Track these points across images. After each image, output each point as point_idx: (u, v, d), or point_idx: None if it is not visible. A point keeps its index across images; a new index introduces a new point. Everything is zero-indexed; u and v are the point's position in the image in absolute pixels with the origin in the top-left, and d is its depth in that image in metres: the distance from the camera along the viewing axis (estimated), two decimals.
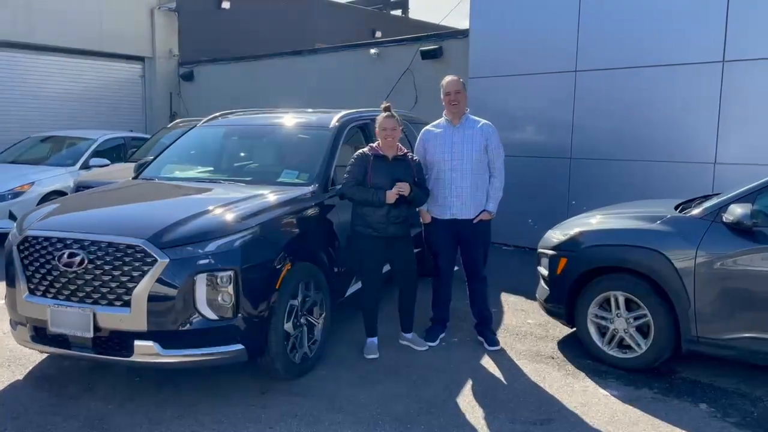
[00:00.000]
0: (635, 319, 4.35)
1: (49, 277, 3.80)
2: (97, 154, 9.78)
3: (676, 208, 4.59)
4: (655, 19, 7.19)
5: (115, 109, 14.59)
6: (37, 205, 7.79)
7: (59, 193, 8.69)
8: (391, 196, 4.39)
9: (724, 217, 4.00)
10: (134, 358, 3.66)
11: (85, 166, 9.47)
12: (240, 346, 3.77)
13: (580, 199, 7.60)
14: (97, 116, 14.00)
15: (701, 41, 6.90)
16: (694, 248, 4.05)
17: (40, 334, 3.90)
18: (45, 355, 4.49)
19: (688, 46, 6.99)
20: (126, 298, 3.63)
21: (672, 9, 7.07)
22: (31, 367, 4.42)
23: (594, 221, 4.81)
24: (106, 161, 9.38)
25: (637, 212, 4.72)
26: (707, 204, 4.27)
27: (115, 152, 10.18)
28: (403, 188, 4.41)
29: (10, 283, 4.01)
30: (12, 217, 8.21)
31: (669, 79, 7.14)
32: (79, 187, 7.81)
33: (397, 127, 4.54)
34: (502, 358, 4.69)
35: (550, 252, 4.82)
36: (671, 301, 4.16)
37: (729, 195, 4.18)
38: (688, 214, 4.30)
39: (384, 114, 4.55)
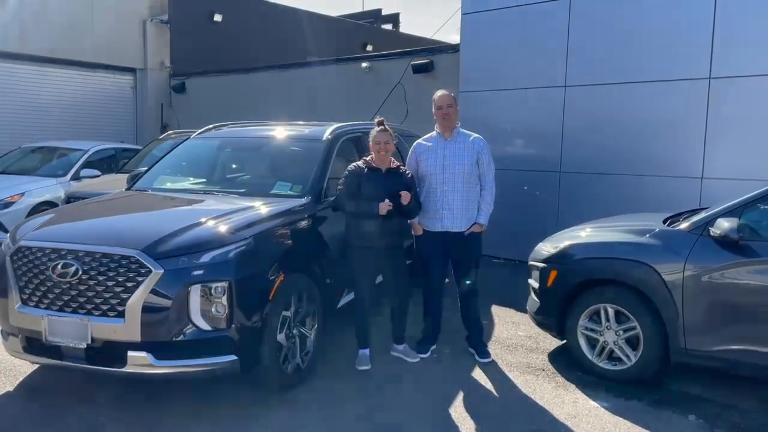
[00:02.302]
0: (625, 331, 4.40)
1: (43, 288, 3.80)
2: (87, 165, 9.77)
3: (664, 221, 4.65)
4: (643, 36, 7.32)
5: (107, 120, 14.55)
6: (27, 216, 7.77)
7: (50, 204, 8.64)
8: (383, 207, 4.43)
9: (711, 231, 4.07)
10: (128, 369, 3.66)
11: (76, 177, 9.45)
12: (233, 357, 3.77)
13: (569, 213, 7.66)
14: (88, 127, 13.95)
15: (688, 58, 7.03)
16: (683, 261, 4.12)
17: (33, 345, 3.89)
18: (36, 366, 4.47)
19: (676, 63, 7.11)
20: (120, 308, 3.63)
21: (660, 26, 7.20)
22: (22, 378, 4.40)
23: (584, 234, 4.87)
24: (96, 172, 9.38)
25: (626, 226, 4.79)
26: (695, 218, 4.34)
27: (105, 163, 10.16)
28: (404, 198, 4.45)
29: (2, 293, 3.99)
30: (1, 227, 8.16)
31: (657, 95, 7.25)
32: (70, 198, 7.81)
33: (391, 141, 4.60)
34: (492, 370, 4.72)
35: (541, 264, 4.87)
36: (660, 314, 4.21)
37: (716, 209, 4.26)
38: (677, 228, 4.37)
39: (378, 128, 4.61)
